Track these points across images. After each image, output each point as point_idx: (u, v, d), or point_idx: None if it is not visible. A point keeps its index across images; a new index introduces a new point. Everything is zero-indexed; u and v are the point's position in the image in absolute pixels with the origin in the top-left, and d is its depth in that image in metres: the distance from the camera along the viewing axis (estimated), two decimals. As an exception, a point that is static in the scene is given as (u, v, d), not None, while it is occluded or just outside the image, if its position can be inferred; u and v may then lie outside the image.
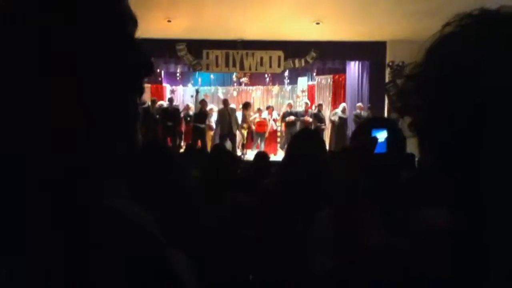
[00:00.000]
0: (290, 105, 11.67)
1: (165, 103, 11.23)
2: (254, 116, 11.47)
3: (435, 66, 0.49)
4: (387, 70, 10.32)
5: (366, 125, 1.18)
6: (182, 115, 11.11)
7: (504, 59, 0.43)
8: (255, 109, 12.07)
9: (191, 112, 11.29)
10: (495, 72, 0.43)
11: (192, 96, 12.61)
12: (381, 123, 1.14)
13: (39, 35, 0.41)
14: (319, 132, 9.11)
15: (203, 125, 10.62)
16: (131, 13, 0.49)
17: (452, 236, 0.48)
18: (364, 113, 10.36)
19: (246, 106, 11.25)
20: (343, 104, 11.22)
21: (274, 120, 11.73)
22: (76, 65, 0.42)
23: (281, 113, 11.71)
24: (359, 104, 10.81)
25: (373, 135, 1.05)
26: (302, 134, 2.22)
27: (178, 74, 12.99)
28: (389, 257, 0.50)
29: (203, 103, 10.88)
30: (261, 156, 4.31)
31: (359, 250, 0.52)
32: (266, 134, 11.54)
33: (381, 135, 1.05)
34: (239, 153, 10.37)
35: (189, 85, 14.04)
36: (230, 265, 1.74)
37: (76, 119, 0.43)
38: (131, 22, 0.49)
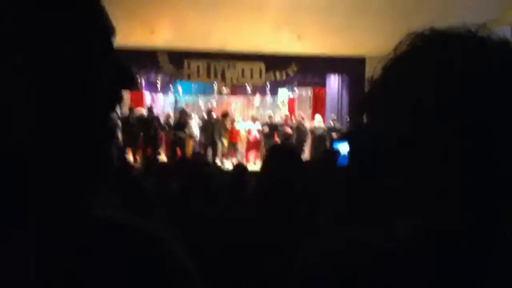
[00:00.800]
0: (270, 117, 11.71)
1: (144, 111, 11.11)
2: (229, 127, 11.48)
3: (387, 86, 0.52)
4: (366, 85, 10.51)
5: (328, 139, 1.21)
6: (162, 123, 11.01)
7: (445, 82, 0.46)
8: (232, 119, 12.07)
9: (171, 121, 11.20)
10: (438, 97, 0.46)
11: (171, 105, 12.54)
12: (342, 136, 1.17)
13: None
14: (289, 146, 9.20)
15: (183, 134, 10.53)
16: (111, 24, 0.47)
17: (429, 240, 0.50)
18: (338, 125, 10.52)
19: (225, 115, 11.24)
20: (319, 116, 11.33)
21: (258, 131, 11.74)
22: (59, 79, 0.41)
23: (262, 124, 11.74)
24: (333, 115, 10.98)
25: (335, 147, 1.07)
26: (272, 151, 2.20)
27: (158, 83, 12.90)
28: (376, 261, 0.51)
29: (182, 112, 10.79)
30: (239, 169, 4.32)
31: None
32: (239, 144, 11.53)
33: (343, 148, 1.08)
34: (219, 162, 10.36)
35: (170, 93, 13.95)
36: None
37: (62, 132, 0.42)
38: (112, 32, 0.47)
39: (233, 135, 11.36)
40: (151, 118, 10.57)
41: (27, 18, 0.40)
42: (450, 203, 0.47)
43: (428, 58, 0.49)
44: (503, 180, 0.46)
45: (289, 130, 10.94)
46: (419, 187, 0.49)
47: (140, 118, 10.48)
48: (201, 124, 10.91)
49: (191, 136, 10.98)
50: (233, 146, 11.48)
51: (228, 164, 10.73)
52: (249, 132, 11.65)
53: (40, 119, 0.40)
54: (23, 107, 0.40)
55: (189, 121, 10.94)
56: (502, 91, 0.45)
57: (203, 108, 12.47)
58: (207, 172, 3.32)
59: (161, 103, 13.53)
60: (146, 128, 10.26)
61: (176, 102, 11.89)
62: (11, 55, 0.39)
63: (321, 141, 10.70)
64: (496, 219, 0.47)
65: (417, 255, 0.49)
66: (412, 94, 0.48)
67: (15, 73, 0.39)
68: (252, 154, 11.39)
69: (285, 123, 11.24)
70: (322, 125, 11.01)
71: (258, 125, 11.77)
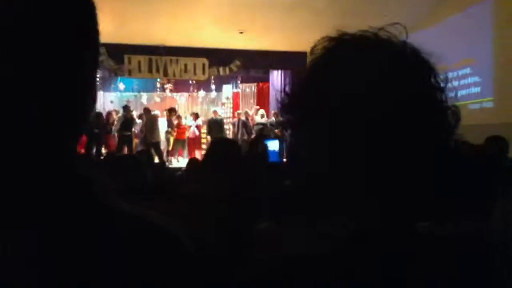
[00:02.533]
0: (215, 113, 11.68)
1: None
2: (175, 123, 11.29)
3: (304, 89, 0.56)
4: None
5: (259, 135, 1.24)
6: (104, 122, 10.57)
7: (350, 82, 0.51)
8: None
9: (115, 120, 10.77)
10: (344, 98, 0.50)
11: (111, 102, 12.11)
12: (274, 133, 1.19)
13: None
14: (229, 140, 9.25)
15: (128, 133, 10.15)
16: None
17: (365, 239, 0.53)
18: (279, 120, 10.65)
19: (171, 111, 11.04)
20: (261, 111, 11.43)
21: (198, 127, 11.64)
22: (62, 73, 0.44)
23: (207, 120, 11.65)
24: (274, 111, 11.11)
25: (265, 143, 1.10)
26: (213, 143, 2.21)
27: (98, 79, 12.41)
28: (308, 263, 0.54)
29: (127, 109, 10.41)
30: (194, 163, 4.28)
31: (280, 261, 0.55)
32: (186, 141, 11.41)
33: (273, 145, 1.10)
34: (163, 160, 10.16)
35: (111, 90, 13.49)
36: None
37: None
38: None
39: (180, 132, 11.19)
40: (95, 115, 10.08)
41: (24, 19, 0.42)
42: (367, 200, 0.51)
43: (336, 60, 0.54)
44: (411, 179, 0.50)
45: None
46: (339, 187, 0.53)
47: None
48: (143, 121, 10.59)
49: (136, 135, 10.66)
50: (180, 143, 11.30)
51: (175, 163, 10.56)
52: (185, 128, 11.53)
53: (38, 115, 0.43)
54: (23, 105, 0.42)
55: (134, 118, 10.61)
56: (397, 91, 0.50)
57: (146, 104, 12.17)
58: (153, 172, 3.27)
59: (101, 100, 13.03)
60: (91, 127, 9.76)
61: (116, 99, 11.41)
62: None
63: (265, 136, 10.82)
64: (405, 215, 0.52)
65: (346, 253, 0.52)
66: (325, 96, 0.52)
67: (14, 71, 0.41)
68: (197, 152, 11.26)
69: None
70: (264, 119, 11.11)
71: (199, 121, 11.70)
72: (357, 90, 0.50)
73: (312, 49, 0.56)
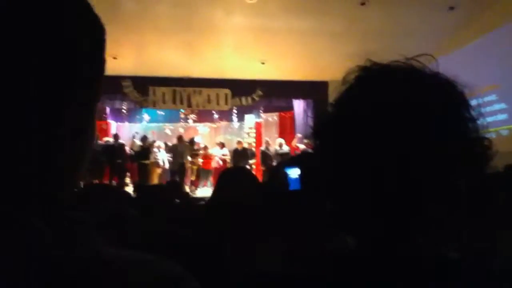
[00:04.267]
0: (239, 142, 11.68)
1: (111, 140, 10.87)
2: (200, 153, 11.38)
3: (336, 118, 0.57)
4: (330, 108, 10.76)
5: (280, 164, 1.24)
6: (128, 152, 10.78)
7: (386, 114, 0.51)
8: (202, 146, 11.97)
9: (135, 149, 10.99)
10: (378, 128, 0.50)
11: (137, 133, 12.36)
12: (294, 160, 1.20)
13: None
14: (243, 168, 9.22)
15: (147, 162, 10.34)
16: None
17: (355, 259, 0.53)
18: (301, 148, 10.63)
19: (192, 142, 11.17)
20: (279, 140, 11.38)
21: (224, 156, 11.67)
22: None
23: (232, 150, 11.68)
24: (295, 139, 11.08)
25: (286, 171, 1.10)
26: (222, 173, 2.15)
27: (124, 111, 12.76)
28: (284, 282, 0.54)
29: (145, 139, 10.64)
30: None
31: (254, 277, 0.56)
32: (213, 171, 11.44)
33: (294, 172, 1.10)
34: (188, 189, 10.20)
35: (135, 121, 13.83)
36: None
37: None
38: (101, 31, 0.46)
39: (205, 161, 11.26)
40: (118, 146, 10.32)
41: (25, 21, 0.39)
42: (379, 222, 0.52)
43: (370, 92, 0.54)
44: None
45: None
46: (355, 211, 0.53)
47: (106, 147, 10.24)
48: (168, 151, 10.76)
49: (157, 164, 10.77)
50: (205, 173, 11.35)
51: (201, 193, 10.55)
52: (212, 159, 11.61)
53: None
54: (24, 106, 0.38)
55: (154, 148, 10.80)
56: (431, 124, 0.50)
57: (170, 135, 12.38)
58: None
59: (127, 131, 13.36)
60: (112, 157, 10.00)
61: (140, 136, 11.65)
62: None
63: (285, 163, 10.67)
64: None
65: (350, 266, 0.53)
66: (357, 128, 0.52)
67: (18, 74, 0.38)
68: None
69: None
70: (285, 148, 11.09)
71: (225, 151, 11.75)
72: (391, 121, 0.50)
73: (345, 78, 0.57)
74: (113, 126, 13.41)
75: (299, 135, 11.41)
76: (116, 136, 10.72)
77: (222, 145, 11.89)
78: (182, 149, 10.54)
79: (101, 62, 0.47)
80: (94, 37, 0.45)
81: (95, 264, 0.39)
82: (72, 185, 0.46)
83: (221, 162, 11.53)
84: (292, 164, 1.11)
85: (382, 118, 0.51)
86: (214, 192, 1.92)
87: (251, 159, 11.37)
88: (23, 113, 0.38)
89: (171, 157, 10.60)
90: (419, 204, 0.50)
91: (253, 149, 12.54)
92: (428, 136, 0.49)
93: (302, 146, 10.62)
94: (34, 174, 0.40)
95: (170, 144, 11.26)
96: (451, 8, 7.50)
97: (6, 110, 0.38)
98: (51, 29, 0.40)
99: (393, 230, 0.51)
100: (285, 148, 10.99)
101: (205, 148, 11.61)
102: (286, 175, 1.05)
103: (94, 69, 0.46)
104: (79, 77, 0.43)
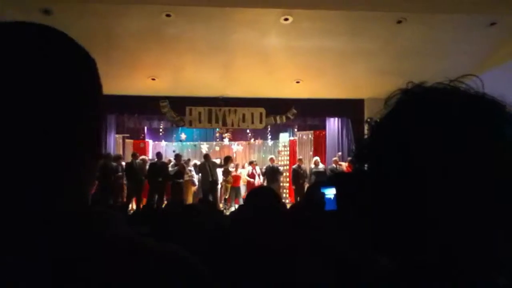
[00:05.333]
0: (272, 160, 11.77)
1: (147, 158, 11.11)
2: (231, 172, 11.44)
3: (380, 136, 0.58)
4: (366, 126, 10.59)
5: (317, 183, 1.24)
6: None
7: (426, 136, 0.51)
8: (234, 164, 12.03)
9: (170, 168, 11.14)
10: (425, 152, 0.50)
11: (174, 152, 12.62)
12: (330, 181, 1.19)
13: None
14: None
15: (180, 180, 10.44)
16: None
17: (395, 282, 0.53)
18: (339, 167, 10.48)
19: (227, 160, 11.28)
20: (315, 158, 11.32)
21: (257, 175, 11.72)
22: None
23: (264, 168, 11.73)
24: (335, 158, 10.95)
25: (322, 191, 1.09)
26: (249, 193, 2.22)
27: (161, 130, 13.10)
28: None
29: (178, 158, 10.73)
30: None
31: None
32: (242, 189, 11.46)
33: (330, 192, 1.09)
34: (222, 207, 10.28)
35: (172, 140, 14.15)
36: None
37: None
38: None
39: (235, 179, 11.35)
40: (160, 165, 10.38)
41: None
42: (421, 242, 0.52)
43: (413, 115, 0.54)
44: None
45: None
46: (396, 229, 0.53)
47: (149, 164, 10.41)
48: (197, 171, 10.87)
49: (192, 182, 10.91)
50: (234, 191, 11.41)
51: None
52: (250, 176, 11.67)
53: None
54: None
55: (189, 167, 10.93)
56: (475, 147, 0.49)
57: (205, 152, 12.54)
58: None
59: (163, 150, 13.66)
60: (155, 175, 10.14)
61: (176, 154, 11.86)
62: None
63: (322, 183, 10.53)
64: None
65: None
66: (401, 151, 0.52)
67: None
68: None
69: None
70: (321, 167, 10.99)
71: (257, 169, 11.80)
72: (434, 146, 0.50)
73: (387, 100, 0.57)
74: (150, 144, 13.77)
75: (339, 153, 11.29)
76: (159, 155, 10.85)
77: (252, 164, 11.98)
78: (210, 167, 10.60)
79: (99, 86, 0.55)
80: (90, 69, 0.54)
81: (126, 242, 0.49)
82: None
83: (251, 180, 11.55)
84: (329, 185, 1.11)
85: (431, 147, 0.50)
86: (239, 208, 1.96)
87: (282, 174, 11.36)
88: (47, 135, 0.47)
89: (199, 175, 10.73)
90: (464, 229, 0.49)
91: (287, 167, 12.53)
92: (473, 159, 0.49)
93: (344, 164, 10.54)
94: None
95: (198, 162, 11.38)
96: (493, 24, 7.29)
97: (36, 131, 0.47)
98: (64, 73, 0.50)
99: (436, 254, 0.51)
100: (321, 167, 10.89)
101: (236, 166, 11.69)
102: (323, 195, 1.06)
103: (94, 94, 0.54)
104: (86, 101, 0.52)
